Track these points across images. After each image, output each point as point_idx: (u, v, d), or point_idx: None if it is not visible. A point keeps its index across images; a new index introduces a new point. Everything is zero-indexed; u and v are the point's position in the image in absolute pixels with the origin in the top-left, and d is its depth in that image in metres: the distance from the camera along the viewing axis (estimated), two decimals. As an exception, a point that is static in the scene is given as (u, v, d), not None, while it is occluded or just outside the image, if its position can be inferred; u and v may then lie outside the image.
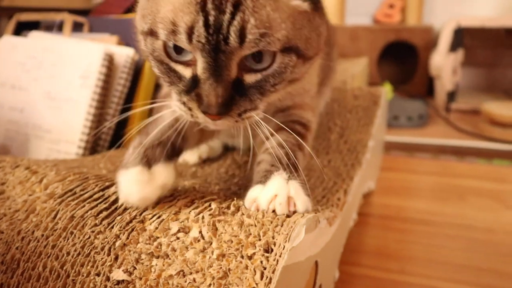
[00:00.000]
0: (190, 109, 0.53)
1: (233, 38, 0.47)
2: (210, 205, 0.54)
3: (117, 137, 1.11)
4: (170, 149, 0.61)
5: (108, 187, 0.59)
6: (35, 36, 1.20)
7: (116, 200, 0.55)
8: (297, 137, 0.72)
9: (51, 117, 1.05)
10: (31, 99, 1.08)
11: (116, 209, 0.54)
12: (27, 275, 0.49)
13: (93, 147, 1.06)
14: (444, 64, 2.43)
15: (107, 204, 0.54)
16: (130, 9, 1.49)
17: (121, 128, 1.14)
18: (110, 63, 1.07)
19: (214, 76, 0.49)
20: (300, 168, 0.65)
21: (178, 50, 0.52)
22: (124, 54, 1.12)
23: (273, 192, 0.54)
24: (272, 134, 0.75)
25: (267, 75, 0.53)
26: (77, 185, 0.59)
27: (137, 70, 1.17)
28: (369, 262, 1.11)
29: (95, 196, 0.56)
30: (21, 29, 1.34)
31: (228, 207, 0.54)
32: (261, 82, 0.53)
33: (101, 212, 0.53)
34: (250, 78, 0.52)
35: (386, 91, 1.38)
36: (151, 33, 0.52)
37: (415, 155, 1.89)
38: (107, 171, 0.80)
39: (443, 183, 1.56)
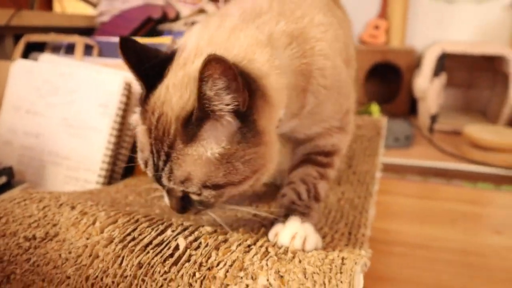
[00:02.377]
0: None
1: (164, 180, 0.58)
2: (267, 250, 0.58)
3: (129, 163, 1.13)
4: None
5: (163, 231, 0.62)
6: (47, 59, 1.20)
7: (177, 246, 0.58)
8: (320, 169, 0.78)
9: (70, 144, 1.06)
10: (47, 125, 1.09)
11: (180, 256, 0.56)
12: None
13: (110, 175, 1.07)
14: (428, 88, 2.54)
15: (170, 250, 0.57)
16: (138, 30, 1.51)
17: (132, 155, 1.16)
18: (129, 92, 1.09)
19: (168, 195, 0.61)
20: (322, 197, 0.79)
21: None
22: (140, 82, 1.14)
23: (291, 232, 0.65)
24: (297, 166, 0.82)
25: (202, 199, 0.60)
26: (133, 229, 0.61)
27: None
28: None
29: (155, 241, 0.59)
30: (28, 49, 1.34)
31: (285, 253, 0.58)
32: (202, 201, 0.60)
33: (167, 259, 0.55)
34: (193, 197, 0.60)
35: (381, 118, 1.45)
36: None
37: (403, 177, 1.97)
38: (140, 206, 0.82)
39: (434, 207, 1.63)
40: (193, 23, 1.55)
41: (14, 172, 1.00)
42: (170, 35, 1.51)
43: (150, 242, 0.59)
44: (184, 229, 0.63)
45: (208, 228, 0.64)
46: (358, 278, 0.52)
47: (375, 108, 2.50)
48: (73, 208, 0.68)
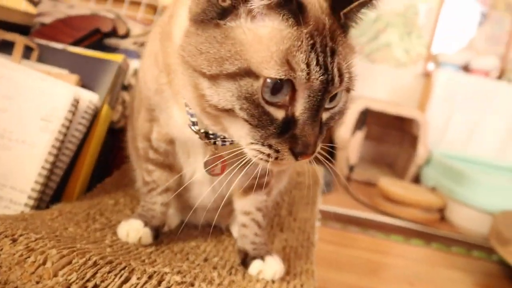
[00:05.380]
0: (277, 151, 0.55)
1: (337, 79, 0.55)
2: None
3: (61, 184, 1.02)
4: None
5: (128, 278, 0.56)
6: (-21, 56, 1.06)
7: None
8: (265, 189, 0.86)
9: (-3, 157, 0.93)
10: (-29, 131, 0.95)
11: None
12: None
13: (40, 197, 0.96)
14: (351, 140, 2.70)
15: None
16: (81, 40, 1.41)
17: (66, 175, 1.06)
18: (75, 109, 1.00)
19: (313, 116, 0.55)
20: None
21: (275, 91, 0.54)
22: (87, 99, 1.06)
23: (273, 270, 0.78)
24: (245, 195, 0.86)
25: (334, 113, 0.60)
26: (93, 274, 0.55)
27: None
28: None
29: (122, 292, 0.53)
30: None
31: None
32: (329, 119, 0.60)
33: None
34: (325, 116, 0.59)
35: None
36: (248, 74, 0.53)
37: (324, 223, 2.04)
38: (87, 242, 0.74)
39: (353, 256, 1.71)
40: (142, 44, 1.49)
41: None
42: (117, 51, 1.43)
43: (116, 292, 0.53)
44: (150, 277, 0.58)
45: (176, 277, 0.59)
46: None
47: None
48: (14, 241, 0.59)
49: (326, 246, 1.77)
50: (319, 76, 0.53)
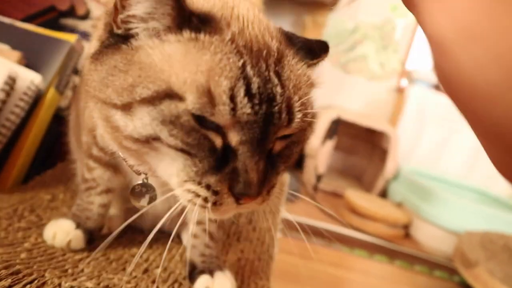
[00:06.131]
0: (216, 193, 0.44)
1: (284, 116, 0.44)
2: None
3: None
4: None
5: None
6: None
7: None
8: None
9: None
10: None
11: None
12: None
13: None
14: (320, 149, 2.64)
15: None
16: (34, 17, 1.28)
17: (-1, 163, 0.93)
18: (11, 88, 0.88)
19: (256, 149, 0.43)
20: None
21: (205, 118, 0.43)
22: (28, 79, 0.94)
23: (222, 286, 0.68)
24: None
25: (292, 142, 0.49)
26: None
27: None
28: None
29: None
30: None
31: None
32: (285, 149, 0.49)
33: None
34: (278, 146, 0.48)
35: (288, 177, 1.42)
36: (169, 96, 0.42)
37: (287, 233, 1.96)
38: (1, 244, 0.62)
39: (316, 270, 1.63)
40: (104, 27, 1.36)
41: None
42: (74, 33, 1.31)
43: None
44: (63, 294, 0.47)
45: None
46: None
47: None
48: None
49: (287, 257, 1.68)
50: (251, 112, 0.42)
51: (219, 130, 0.44)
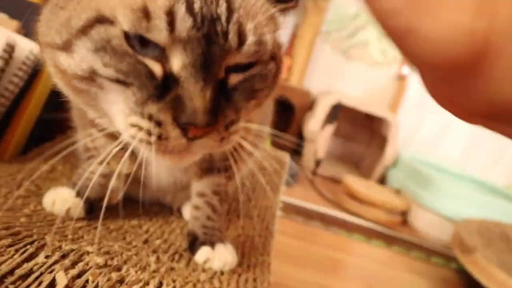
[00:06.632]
0: (159, 124, 0.41)
1: (234, 38, 0.41)
2: None
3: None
4: None
5: (33, 255, 0.44)
6: None
7: (53, 283, 0.41)
8: (226, 173, 0.76)
9: None
10: None
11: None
12: None
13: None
14: (320, 133, 2.62)
15: (40, 289, 0.39)
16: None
17: (-3, 133, 0.91)
18: (9, 56, 0.86)
19: (200, 74, 0.40)
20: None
21: (142, 40, 0.40)
22: (26, 48, 0.91)
23: (223, 260, 0.68)
24: (202, 176, 0.76)
25: (252, 76, 0.46)
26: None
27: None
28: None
29: (19, 271, 0.40)
30: None
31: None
32: (244, 83, 0.46)
33: None
34: (234, 79, 0.45)
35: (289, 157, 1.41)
36: (100, 21, 0.41)
37: (286, 215, 1.96)
38: (0, 209, 0.61)
39: (314, 252, 1.63)
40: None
41: None
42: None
43: (12, 271, 0.40)
44: (63, 256, 0.46)
45: (98, 259, 0.47)
46: None
47: (267, 140, 2.49)
48: None
49: (286, 239, 1.68)
50: (191, 26, 0.39)
51: (158, 56, 0.41)
